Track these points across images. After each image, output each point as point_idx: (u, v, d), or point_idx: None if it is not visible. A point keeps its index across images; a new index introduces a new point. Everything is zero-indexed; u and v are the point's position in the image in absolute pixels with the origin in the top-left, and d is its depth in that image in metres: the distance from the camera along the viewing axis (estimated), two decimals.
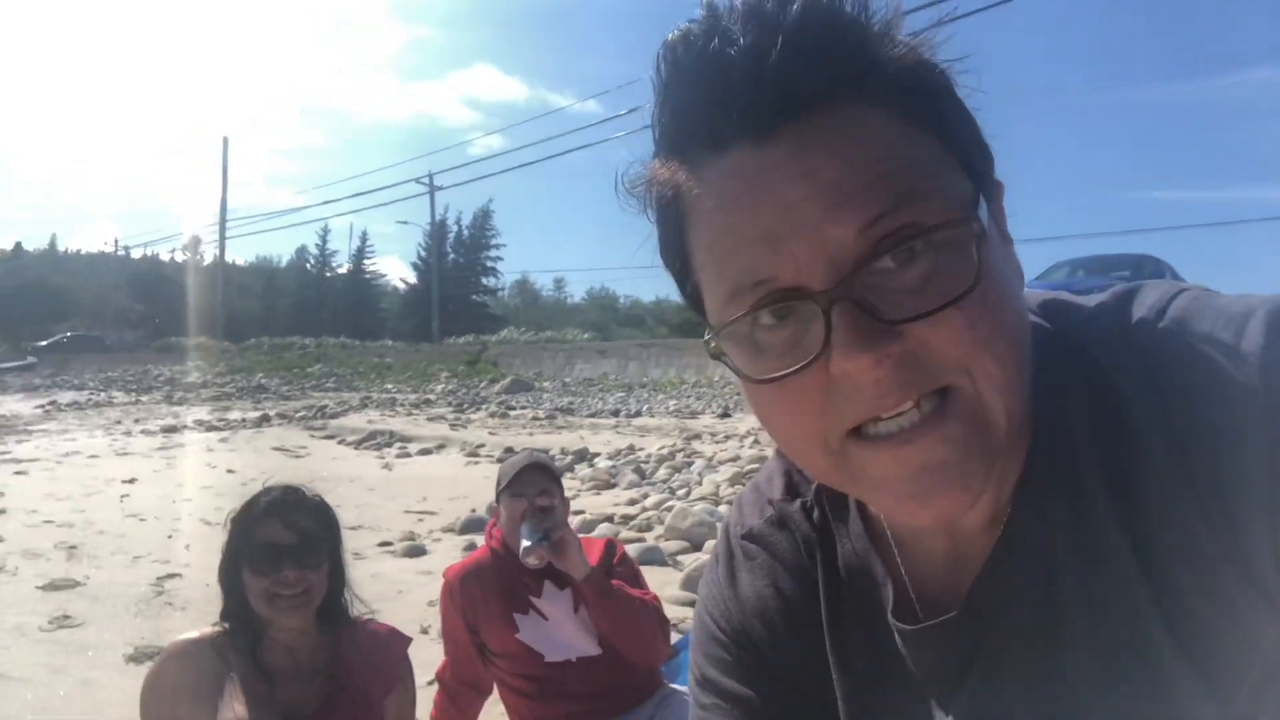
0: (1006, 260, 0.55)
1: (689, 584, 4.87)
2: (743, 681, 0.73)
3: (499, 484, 2.72)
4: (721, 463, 9.09)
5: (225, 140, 51.92)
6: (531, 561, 2.49)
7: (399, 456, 11.61)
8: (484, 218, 61.03)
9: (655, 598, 2.69)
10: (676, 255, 0.59)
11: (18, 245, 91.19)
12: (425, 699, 2.66)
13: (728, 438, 11.11)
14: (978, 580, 0.59)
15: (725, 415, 13.89)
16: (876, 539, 0.68)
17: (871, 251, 0.50)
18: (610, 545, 2.84)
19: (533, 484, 2.65)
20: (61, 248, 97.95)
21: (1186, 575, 0.51)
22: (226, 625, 2.01)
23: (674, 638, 2.98)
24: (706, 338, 0.57)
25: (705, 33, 0.52)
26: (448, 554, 6.03)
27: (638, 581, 2.72)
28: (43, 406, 19.38)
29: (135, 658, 4.20)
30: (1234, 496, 0.49)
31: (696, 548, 5.96)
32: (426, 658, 3.01)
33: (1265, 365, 0.49)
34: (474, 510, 7.37)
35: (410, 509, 7.96)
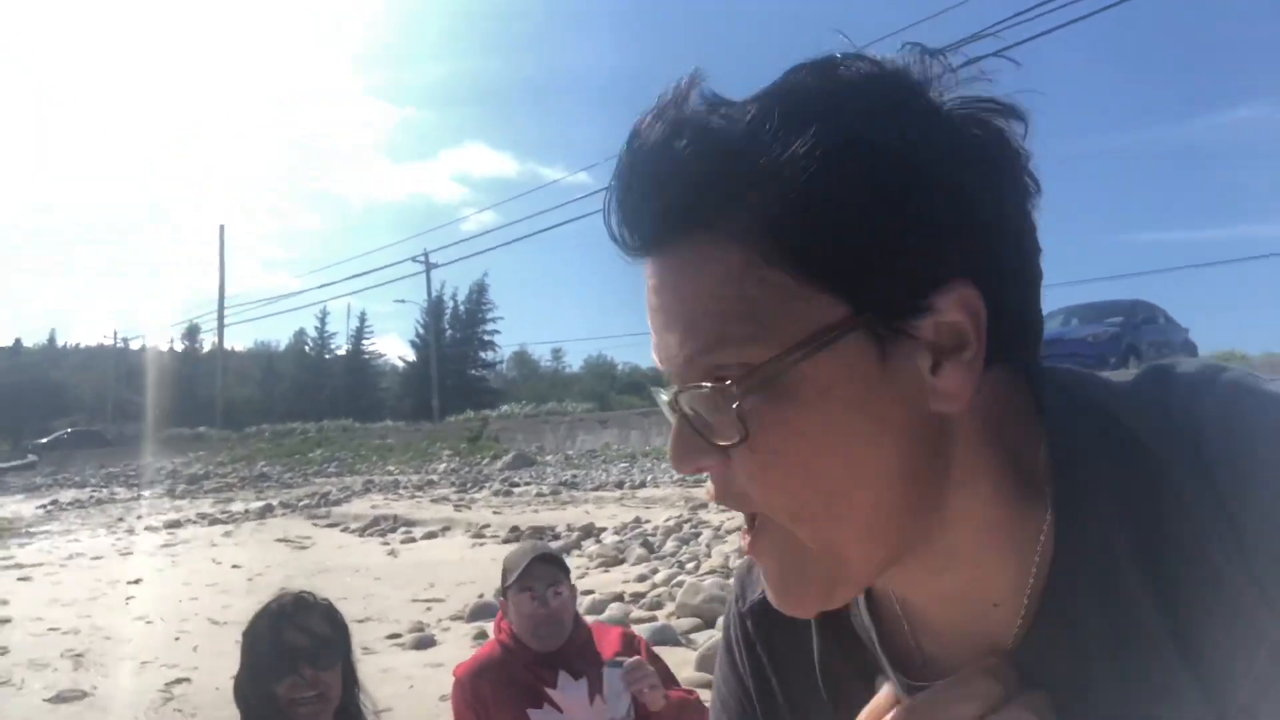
0: (869, 403, 0.51)
1: (704, 663, 4.82)
2: None
3: (505, 578, 2.71)
4: (729, 532, 9.02)
5: (221, 229, 52.70)
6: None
7: (404, 542, 11.52)
8: (480, 292, 61.45)
9: (695, 695, 2.69)
10: None
11: (17, 342, 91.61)
12: None
13: None
14: (1008, 656, 0.56)
15: None
16: (881, 611, 0.66)
17: (687, 380, 0.54)
18: (631, 638, 2.83)
19: (542, 578, 2.65)
20: (60, 342, 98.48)
21: (1238, 661, 0.49)
22: None
23: None
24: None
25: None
26: (458, 643, 5.97)
27: (672, 678, 2.72)
28: (44, 506, 19.26)
29: None
30: None
31: (709, 624, 5.89)
32: None
33: None
34: (482, 595, 7.31)
35: (418, 597, 7.89)
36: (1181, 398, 0.53)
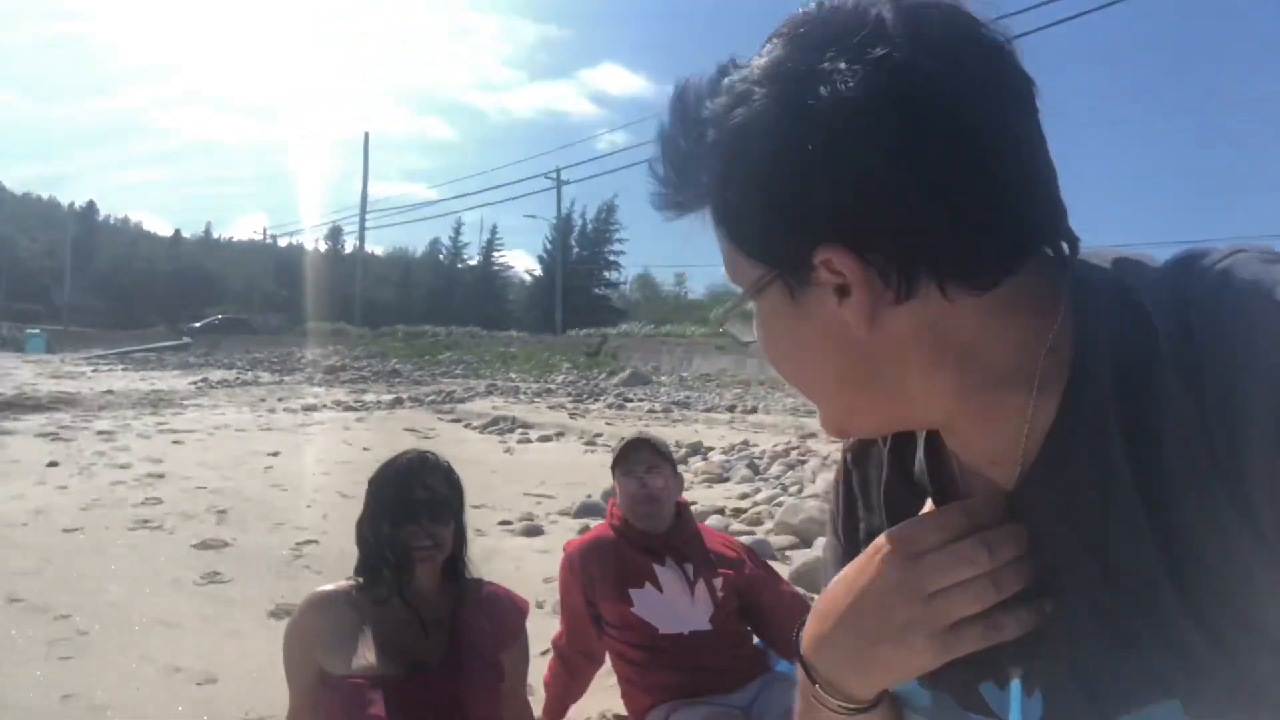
0: (809, 321, 0.66)
1: (797, 579, 4.85)
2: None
3: (613, 462, 2.85)
4: (836, 461, 8.98)
5: (366, 135, 54.26)
6: None
7: (520, 442, 11.96)
8: (608, 212, 61.74)
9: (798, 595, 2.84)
10: None
11: (176, 232, 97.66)
12: (540, 668, 2.80)
13: None
14: (1012, 497, 0.67)
15: None
16: (942, 455, 0.77)
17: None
18: (750, 549, 2.99)
19: (641, 460, 2.76)
20: (216, 235, 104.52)
21: (1196, 528, 0.55)
22: (361, 579, 2.18)
23: None
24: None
25: None
26: (564, 535, 6.22)
27: (777, 577, 2.90)
28: (196, 383, 20.80)
29: (276, 614, 4.54)
30: (1245, 454, 0.52)
31: (806, 544, 5.95)
32: (539, 630, 3.15)
33: None
34: (590, 496, 7.56)
35: (529, 492, 8.23)
36: (1184, 281, 0.58)
